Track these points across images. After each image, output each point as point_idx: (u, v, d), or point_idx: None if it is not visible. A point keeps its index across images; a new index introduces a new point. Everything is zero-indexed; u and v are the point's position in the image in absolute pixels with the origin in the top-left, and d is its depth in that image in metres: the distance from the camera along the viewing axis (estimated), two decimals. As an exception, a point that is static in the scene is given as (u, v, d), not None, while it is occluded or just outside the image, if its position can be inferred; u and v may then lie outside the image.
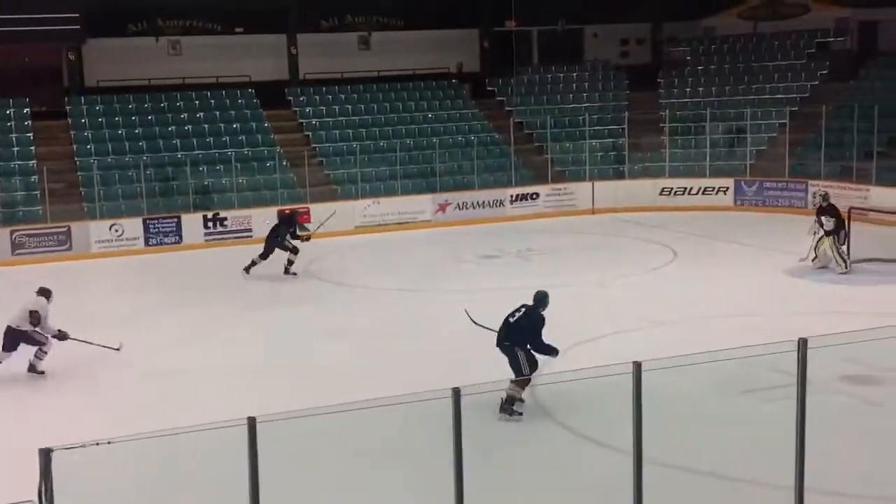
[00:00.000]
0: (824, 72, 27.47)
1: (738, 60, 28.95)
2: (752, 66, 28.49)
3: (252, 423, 5.55)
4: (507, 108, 28.75)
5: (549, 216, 25.00)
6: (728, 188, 25.42)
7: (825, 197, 17.94)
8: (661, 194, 25.67)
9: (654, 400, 7.78)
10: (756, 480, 8.32)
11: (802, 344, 6.26)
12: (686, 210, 24.73)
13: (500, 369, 10.34)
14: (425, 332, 14.33)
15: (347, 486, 8.71)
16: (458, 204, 24.80)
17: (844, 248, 17.10)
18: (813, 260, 17.42)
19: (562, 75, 30.10)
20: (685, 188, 25.63)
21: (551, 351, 10.51)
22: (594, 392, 8.27)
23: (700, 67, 29.28)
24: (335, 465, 8.98)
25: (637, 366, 6.10)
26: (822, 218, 17.31)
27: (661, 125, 27.39)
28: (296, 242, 18.65)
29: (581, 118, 27.80)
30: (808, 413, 6.50)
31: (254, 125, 26.53)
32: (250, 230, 23.06)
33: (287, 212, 20.54)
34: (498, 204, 25.21)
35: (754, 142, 26.42)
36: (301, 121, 27.33)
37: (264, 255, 18.54)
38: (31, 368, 12.53)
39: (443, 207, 24.49)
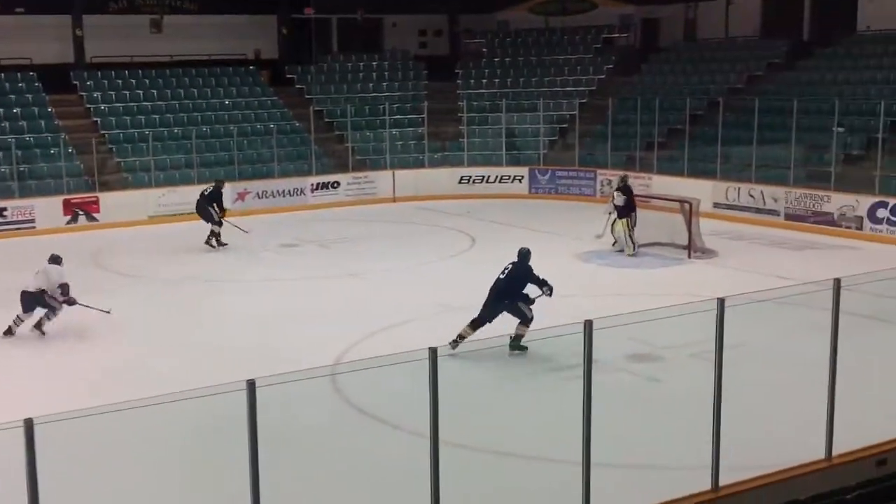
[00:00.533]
0: (610, 66, 28.87)
1: (531, 53, 29.97)
2: (544, 60, 29.56)
3: (29, 424, 5.25)
4: (307, 96, 28.51)
5: (351, 205, 25.05)
6: (523, 176, 26.29)
7: (624, 178, 18.94)
8: (460, 183, 26.23)
9: (452, 383, 7.99)
10: (552, 458, 8.66)
11: (588, 325, 6.56)
12: (484, 198, 25.40)
13: (300, 359, 10.28)
14: (221, 322, 14.04)
15: (135, 485, 8.43)
16: (257, 192, 24.39)
17: (635, 231, 18.03)
18: (614, 244, 18.25)
19: (361, 64, 30.16)
20: (483, 176, 26.33)
21: (546, 283, 11.90)
22: (392, 378, 8.34)
23: (496, 59, 30.09)
24: (121, 465, 8.67)
25: (433, 351, 6.21)
26: (615, 193, 18.22)
27: (460, 115, 27.97)
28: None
29: (381, 107, 27.96)
30: (599, 390, 6.82)
31: (36, 110, 25.05)
32: (33, 221, 21.83)
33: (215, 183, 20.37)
34: (298, 193, 24.99)
35: (547, 132, 27.44)
36: (88, 106, 26.02)
37: (219, 223, 19.41)
38: (38, 326, 13.17)
39: (242, 196, 24.02)
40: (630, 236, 17.96)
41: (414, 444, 7.76)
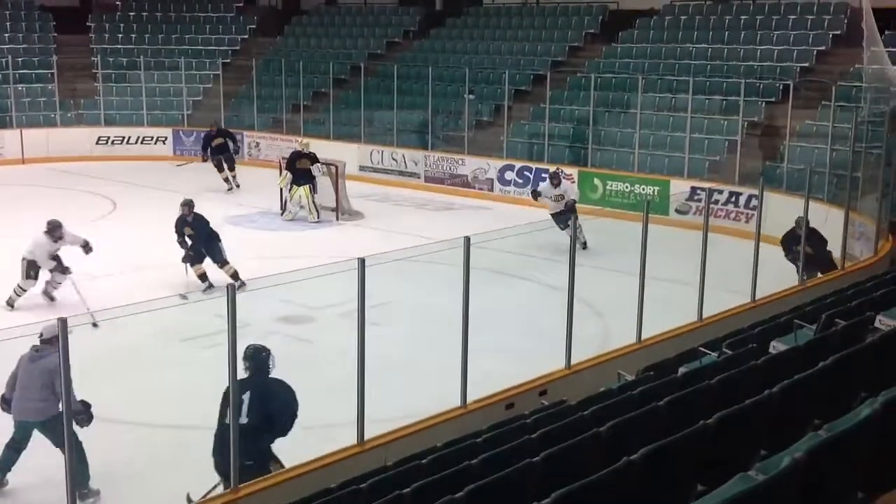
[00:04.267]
0: (252, 26, 28.60)
1: (170, 9, 28.88)
2: (184, 16, 28.66)
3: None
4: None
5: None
6: (167, 137, 25.39)
7: (306, 145, 19.00)
8: (98, 143, 24.82)
9: (88, 355, 7.65)
10: (195, 425, 8.57)
11: (231, 289, 6.55)
12: (126, 160, 24.24)
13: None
14: None
15: None
16: None
17: (316, 197, 18.05)
18: (283, 213, 18.09)
19: (-24, 12, 27.39)
20: (123, 137, 25.08)
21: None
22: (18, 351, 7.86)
23: (131, 14, 28.68)
24: None
25: (63, 322, 5.89)
26: (309, 164, 18.01)
27: (94, 71, 26.37)
28: None
29: (3, 60, 25.59)
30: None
31: None
32: None
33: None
34: None
35: (190, 92, 26.65)
36: None
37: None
38: (45, 292, 12.63)
39: None
40: (313, 202, 17.94)
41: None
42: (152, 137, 25.34)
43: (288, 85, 25.35)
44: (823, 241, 12.43)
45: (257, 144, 24.88)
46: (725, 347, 7.52)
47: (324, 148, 20.78)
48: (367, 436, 7.25)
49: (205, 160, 21.52)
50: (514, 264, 13.76)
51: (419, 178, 22.01)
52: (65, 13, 28.35)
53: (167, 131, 25.46)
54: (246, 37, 28.36)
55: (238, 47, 28.04)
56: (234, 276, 12.73)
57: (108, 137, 25.04)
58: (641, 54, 21.92)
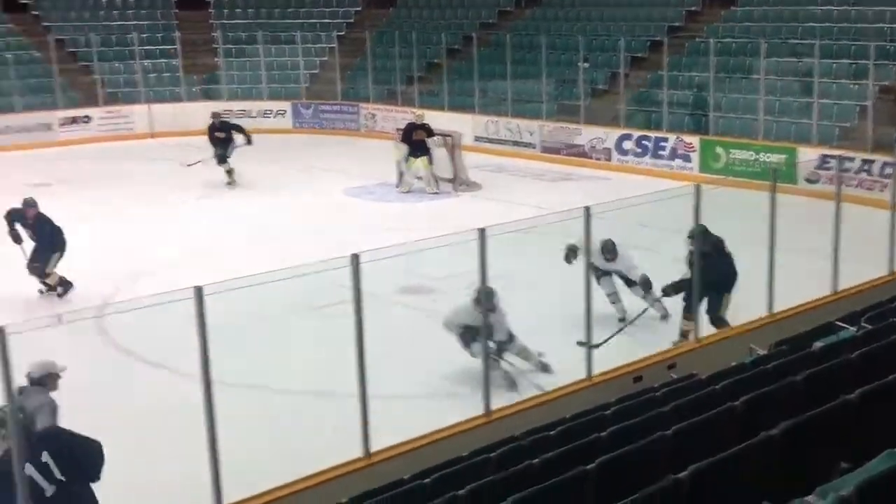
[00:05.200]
0: (366, -2, 28.86)
1: (286, -17, 29.36)
2: (300, -10, 29.08)
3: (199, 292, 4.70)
4: (45, 24, 26.54)
5: (105, 140, 23.75)
6: (286, 111, 25.89)
7: (421, 117, 18.71)
8: (220, 117, 25.42)
9: (221, 323, 7.88)
10: (327, 392, 8.79)
11: (355, 259, 6.64)
12: (244, 133, 24.76)
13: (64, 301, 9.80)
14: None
15: None
16: (-1, 128, 22.65)
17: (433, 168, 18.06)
18: (398, 185, 18.15)
19: (104, -10, 28.39)
20: (244, 110, 25.66)
21: None
22: (158, 320, 8.12)
23: (251, -12, 29.24)
24: None
25: (198, 290, 6.08)
26: (424, 136, 17.95)
27: (215, 46, 27.03)
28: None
29: (129, 37, 26.47)
30: (373, 323, 6.95)
31: None
32: None
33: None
34: (45, 128, 23.38)
35: (307, 65, 27.08)
36: None
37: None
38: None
39: (-21, 132, 22.24)
40: (433, 173, 18.03)
41: (184, 384, 7.63)
42: (272, 111, 25.88)
43: (401, 56, 25.48)
44: None
45: (373, 116, 25.14)
46: (864, 322, 7.26)
47: (438, 119, 20.87)
48: (493, 406, 7.29)
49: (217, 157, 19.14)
50: (635, 235, 13.57)
51: (534, 148, 21.88)
52: (185, -10, 29.15)
53: (286, 105, 25.95)
54: (359, 9, 28.61)
55: (352, 20, 28.32)
56: (61, 282, 12.02)
57: (230, 111, 25.63)
58: (762, 17, 21.20)
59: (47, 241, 11.90)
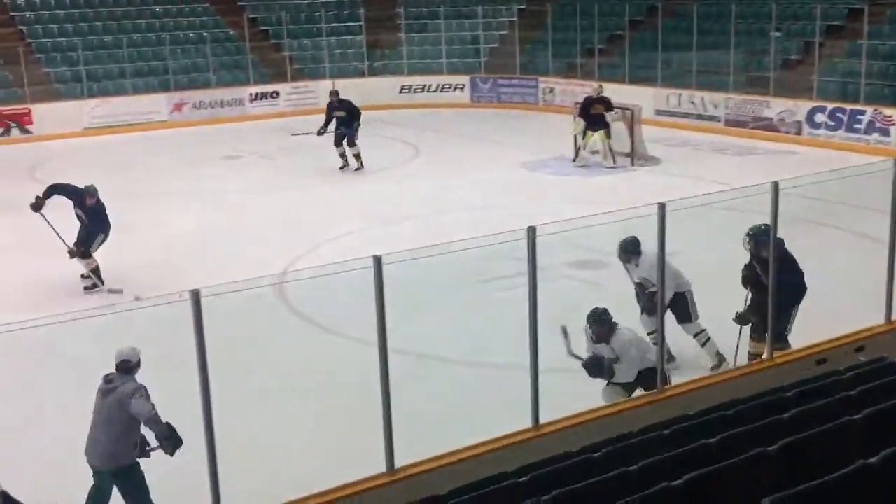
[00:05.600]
0: (548, -30, 28.50)
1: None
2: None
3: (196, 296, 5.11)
4: (240, 3, 27.71)
5: (292, 115, 24.61)
6: (464, 85, 26.05)
7: (599, 90, 18.18)
8: (401, 92, 25.91)
9: (396, 293, 8.00)
10: (496, 363, 8.82)
11: (531, 231, 6.58)
12: (426, 107, 25.14)
13: (248, 269, 10.20)
14: (167, 235, 13.86)
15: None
16: (194, 103, 23.88)
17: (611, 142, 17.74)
18: (574, 159, 17.92)
19: (296, -31, 29.33)
20: (424, 85, 26.02)
21: None
22: (338, 288, 8.34)
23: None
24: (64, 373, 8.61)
25: (377, 259, 6.18)
26: (603, 110, 17.57)
27: (398, 22, 27.47)
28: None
29: (317, 14, 27.31)
30: (541, 297, 6.90)
31: (-42, 18, 24.06)
32: (-33, 135, 21.23)
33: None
34: (237, 103, 24.50)
35: (487, 39, 27.12)
36: (13, 14, 25.00)
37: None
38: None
39: (178, 107, 23.50)
40: (611, 147, 17.79)
41: (360, 351, 7.80)
42: (451, 85, 26.09)
43: (583, 29, 25.08)
44: None
45: (551, 90, 24.92)
46: None
47: (619, 92, 20.41)
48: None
49: (321, 133, 18.36)
50: (827, 212, 12.89)
51: (719, 121, 21.11)
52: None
53: (465, 79, 26.10)
54: (541, -19, 28.35)
55: (533, -8, 28.12)
56: (94, 271, 11.53)
57: (410, 86, 26.09)
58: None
59: (97, 223, 11.51)
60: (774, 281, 7.55)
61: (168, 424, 6.15)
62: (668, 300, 7.99)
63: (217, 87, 24.52)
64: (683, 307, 8.57)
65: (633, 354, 7.35)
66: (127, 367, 6.24)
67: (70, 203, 11.55)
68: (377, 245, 11.70)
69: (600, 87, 18.88)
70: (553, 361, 7.14)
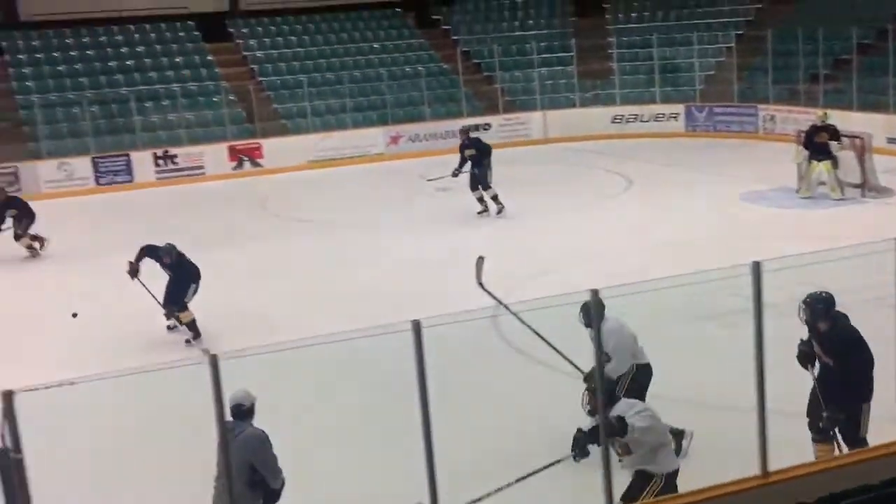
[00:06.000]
0: (768, -6, 27.57)
1: (685, -16, 28.91)
2: (697, -10, 28.48)
3: (214, 360, 5.42)
4: (454, 38, 28.44)
5: (503, 146, 24.86)
6: (679, 114, 25.52)
7: (824, 117, 17.38)
8: (613, 122, 25.71)
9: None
10: (717, 404, 8.51)
11: (756, 266, 6.33)
12: (639, 137, 24.81)
13: (453, 303, 10.37)
14: (381, 264, 14.34)
15: (314, 421, 8.75)
16: (410, 136, 24.64)
17: (838, 172, 16.86)
18: (798, 190, 17.15)
19: (506, 2, 29.80)
20: (636, 115, 25.70)
21: None
22: (555, 321, 8.31)
23: (646, -9, 29.18)
24: (296, 399, 9.02)
25: (595, 293, 6.11)
26: (827, 139, 16.75)
27: (610, 52, 27.31)
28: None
29: (529, 46, 27.58)
30: (767, 335, 6.61)
31: (196, 58, 26.01)
32: (202, 167, 22.81)
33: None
34: (451, 135, 25.03)
35: (702, 66, 26.49)
36: (245, 54, 26.78)
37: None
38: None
39: (395, 140, 24.32)
40: (837, 178, 16.93)
41: (575, 385, 7.72)
42: (664, 114, 25.64)
43: (805, 54, 24.03)
44: None
45: (772, 118, 23.99)
46: None
47: (846, 119, 19.42)
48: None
49: (455, 175, 17.31)
50: None
51: (963, 150, 19.65)
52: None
53: (679, 107, 25.57)
54: (760, 6, 27.43)
55: (752, 18, 27.23)
56: (193, 325, 11.34)
57: (622, 116, 25.84)
58: None
59: (185, 275, 11.38)
60: (840, 367, 6.67)
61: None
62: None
63: (431, 120, 25.21)
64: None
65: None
66: (241, 410, 6.01)
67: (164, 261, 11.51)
68: (593, 277, 11.68)
69: (825, 114, 17.97)
70: (780, 403, 6.81)
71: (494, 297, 7.85)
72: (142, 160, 22.52)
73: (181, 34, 26.71)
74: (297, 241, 16.34)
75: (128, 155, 22.51)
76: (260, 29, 27.50)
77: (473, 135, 17.92)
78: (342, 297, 12.64)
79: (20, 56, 24.92)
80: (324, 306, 12.23)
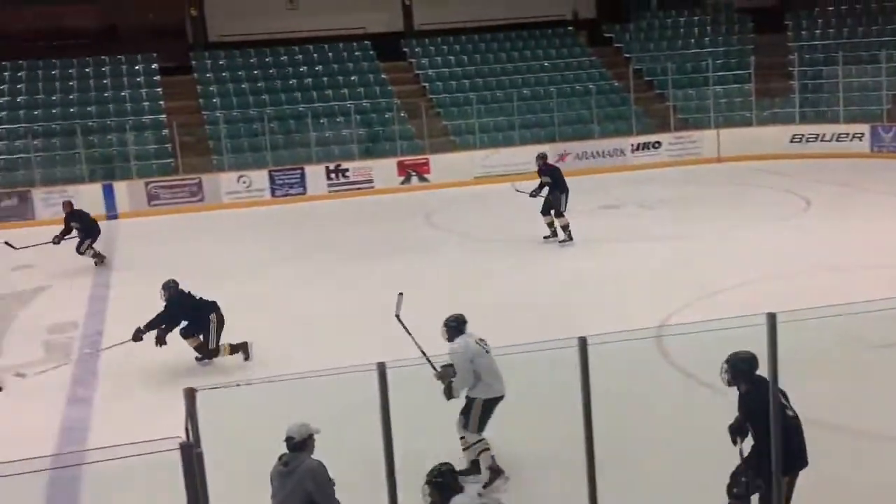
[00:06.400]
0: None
1: (872, 0, 27.47)
2: (885, 6, 26.98)
3: (382, 368, 5.48)
4: (626, 55, 28.10)
5: (673, 165, 24.42)
6: (864, 134, 24.21)
7: None
8: (791, 141, 24.67)
9: (786, 352, 7.45)
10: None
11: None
12: (819, 157, 23.72)
13: (624, 320, 10.13)
14: (543, 282, 14.21)
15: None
16: (577, 153, 24.44)
17: None
18: None
19: (682, 20, 29.23)
20: (817, 135, 24.55)
21: None
22: (724, 344, 7.96)
23: (830, 8, 27.92)
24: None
25: (771, 317, 5.79)
26: None
27: (790, 69, 26.27)
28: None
29: (704, 63, 26.91)
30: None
31: (371, 77, 26.69)
32: (371, 181, 23.38)
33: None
34: (619, 153, 24.71)
35: (889, 85, 25.07)
36: (417, 72, 27.31)
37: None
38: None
39: (562, 157, 24.13)
40: None
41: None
42: (847, 134, 24.39)
43: None
44: None
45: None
46: None
47: None
48: None
49: (533, 196, 16.77)
50: None
51: None
52: (763, 13, 28.80)
53: (864, 127, 24.26)
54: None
55: (947, 33, 25.62)
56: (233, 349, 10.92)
57: (802, 135, 24.76)
58: None
59: (190, 316, 10.85)
60: (777, 433, 5.83)
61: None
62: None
63: (600, 138, 24.92)
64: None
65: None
66: (293, 444, 5.88)
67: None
68: (763, 300, 11.19)
69: None
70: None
71: (406, 330, 8.03)
72: (315, 174, 23.28)
73: (357, 53, 27.51)
74: (459, 255, 16.43)
75: (302, 168, 23.33)
76: (432, 48, 28.00)
77: (551, 162, 17.63)
78: (508, 310, 12.57)
79: (208, 75, 26.27)
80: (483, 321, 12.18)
